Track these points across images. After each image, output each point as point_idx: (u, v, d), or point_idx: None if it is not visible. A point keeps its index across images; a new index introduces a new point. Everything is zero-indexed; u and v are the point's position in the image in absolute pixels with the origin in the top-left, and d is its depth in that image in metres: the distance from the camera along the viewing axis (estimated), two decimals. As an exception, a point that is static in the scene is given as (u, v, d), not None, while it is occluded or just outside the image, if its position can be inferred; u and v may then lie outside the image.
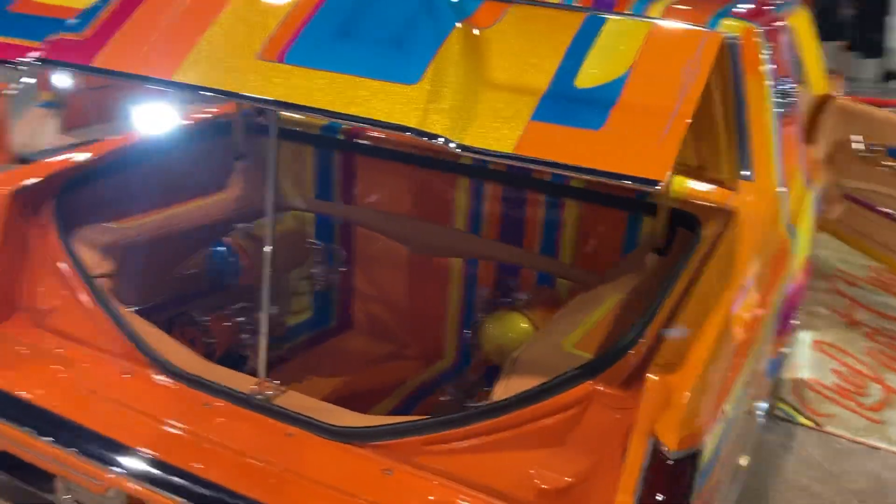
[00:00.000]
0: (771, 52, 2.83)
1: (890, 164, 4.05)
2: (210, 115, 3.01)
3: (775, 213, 2.59)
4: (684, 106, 1.53)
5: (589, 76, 1.61)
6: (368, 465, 1.93)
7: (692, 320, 1.88)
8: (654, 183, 1.44)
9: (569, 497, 1.79)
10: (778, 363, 2.62)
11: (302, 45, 1.76)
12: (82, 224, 2.50)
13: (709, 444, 1.69)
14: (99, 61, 1.88)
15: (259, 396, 2.07)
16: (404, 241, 2.92)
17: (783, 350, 2.67)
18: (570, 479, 1.79)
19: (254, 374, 2.10)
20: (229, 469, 1.93)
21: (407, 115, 1.59)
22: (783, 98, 3.04)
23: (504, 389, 1.90)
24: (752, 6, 3.06)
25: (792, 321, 2.69)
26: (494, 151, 1.54)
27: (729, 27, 2.82)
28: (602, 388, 1.77)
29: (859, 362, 3.74)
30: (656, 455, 1.63)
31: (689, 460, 1.64)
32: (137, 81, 1.86)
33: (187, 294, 2.70)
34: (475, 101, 1.61)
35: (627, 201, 2.54)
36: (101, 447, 2.04)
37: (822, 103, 4.39)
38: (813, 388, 3.52)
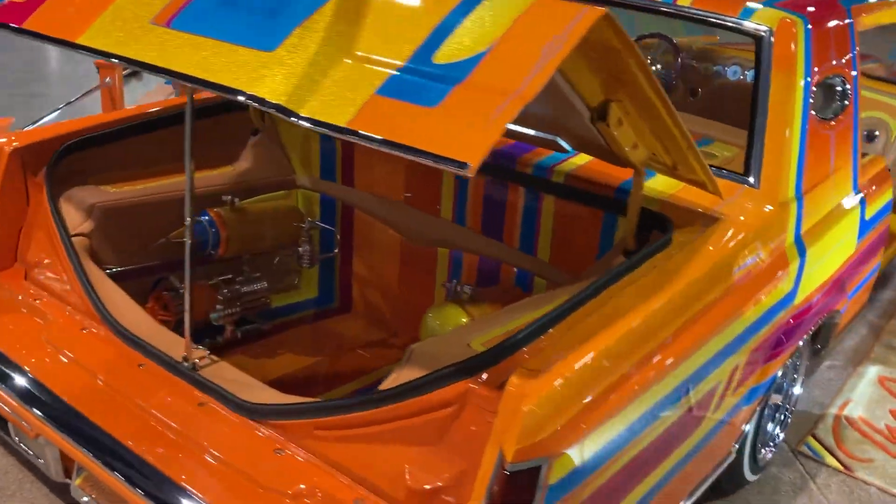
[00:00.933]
0: (825, 47, 2.59)
1: None
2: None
3: (777, 225, 2.35)
4: (529, 87, 1.40)
5: (449, 51, 1.52)
6: (263, 443, 1.95)
7: (591, 329, 1.74)
8: (464, 166, 1.32)
9: (437, 499, 1.70)
10: (765, 388, 2.37)
11: (189, 11, 1.77)
12: (82, 184, 2.62)
13: (572, 457, 1.55)
14: (28, 23, 1.96)
15: (185, 364, 2.11)
16: (395, 228, 2.86)
17: (777, 374, 2.42)
18: (440, 483, 1.71)
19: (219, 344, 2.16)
20: (135, 428, 2.01)
21: (252, 82, 1.55)
22: (833, 99, 2.77)
23: (393, 380, 1.83)
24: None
25: (792, 344, 2.43)
26: (326, 123, 1.47)
27: (764, 17, 2.60)
28: (477, 389, 1.67)
29: (930, 406, 3.35)
30: (499, 466, 1.52)
31: (528, 474, 1.51)
32: (50, 43, 1.92)
33: (174, 261, 2.76)
34: (327, 72, 1.54)
35: (606, 200, 2.38)
36: (35, 395, 2.15)
37: None
38: (858, 427, 3.17)
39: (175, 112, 2.85)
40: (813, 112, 2.61)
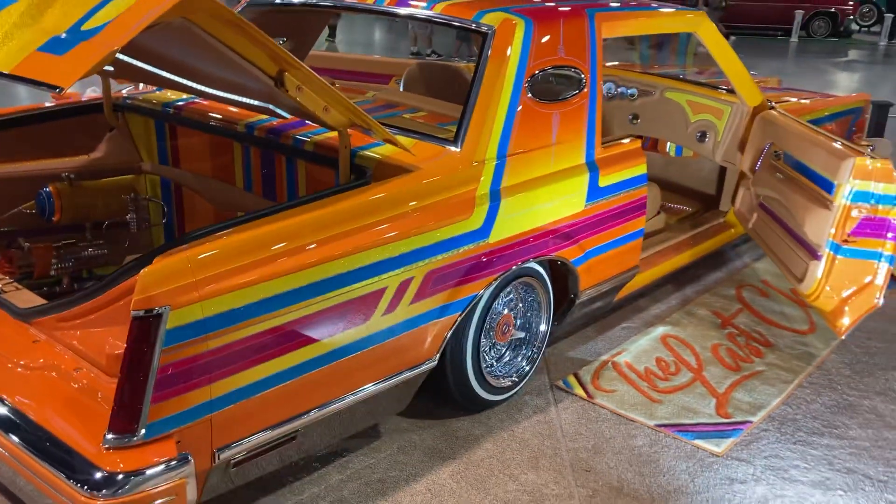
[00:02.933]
0: (552, 44, 3.27)
1: (782, 168, 4.18)
2: (95, 96, 3.79)
3: (469, 179, 2.95)
4: (117, 40, 2.04)
5: (93, 21, 2.16)
6: (26, 336, 2.58)
7: (246, 230, 2.37)
8: (56, 88, 1.96)
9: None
10: (459, 307, 2.93)
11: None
12: None
13: (193, 312, 2.17)
14: None
15: None
16: (206, 198, 3.53)
17: (462, 299, 2.96)
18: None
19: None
20: None
21: None
22: (562, 85, 3.37)
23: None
24: (554, 7, 3.47)
25: (487, 273, 2.99)
26: (-2, 71, 2.13)
27: (491, 18, 3.24)
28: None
29: (695, 356, 3.85)
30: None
31: (149, 319, 2.12)
32: None
33: (31, 228, 3.45)
34: (14, 36, 2.20)
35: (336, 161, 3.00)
36: None
37: (753, 115, 4.58)
38: (619, 369, 3.70)
39: (40, 112, 3.58)
40: (529, 94, 3.22)
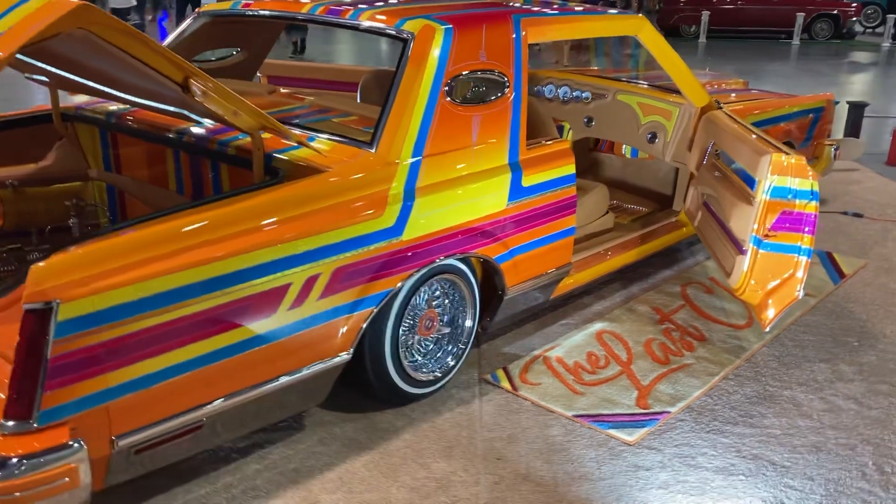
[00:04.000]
0: (472, 49, 3.40)
1: (720, 167, 4.29)
2: (46, 107, 3.96)
3: (381, 179, 3.08)
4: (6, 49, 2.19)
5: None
6: None
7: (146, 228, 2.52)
8: None
9: None
10: (373, 303, 3.05)
11: None
12: None
13: (84, 305, 2.30)
14: None
15: None
16: (144, 202, 3.68)
17: (375, 295, 3.08)
18: None
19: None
20: None
21: None
22: (485, 88, 3.49)
23: None
24: (478, 14, 3.61)
25: (400, 270, 3.12)
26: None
27: (411, 25, 3.38)
28: None
29: (627, 350, 3.95)
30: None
31: (40, 312, 2.26)
32: None
33: None
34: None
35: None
36: None
37: (700, 115, 4.69)
38: (549, 363, 3.81)
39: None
40: (448, 98, 3.34)
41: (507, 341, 4.01)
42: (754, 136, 4.03)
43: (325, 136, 3.30)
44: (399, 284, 3.16)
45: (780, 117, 5.62)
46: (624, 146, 5.61)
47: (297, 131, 3.28)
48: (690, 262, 5.15)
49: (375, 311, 3.10)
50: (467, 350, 3.64)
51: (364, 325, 3.08)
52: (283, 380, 2.90)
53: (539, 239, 3.77)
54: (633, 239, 4.70)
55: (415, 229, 3.17)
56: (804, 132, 5.96)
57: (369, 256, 3.02)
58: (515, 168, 3.59)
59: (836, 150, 6.23)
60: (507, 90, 3.59)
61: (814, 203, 3.65)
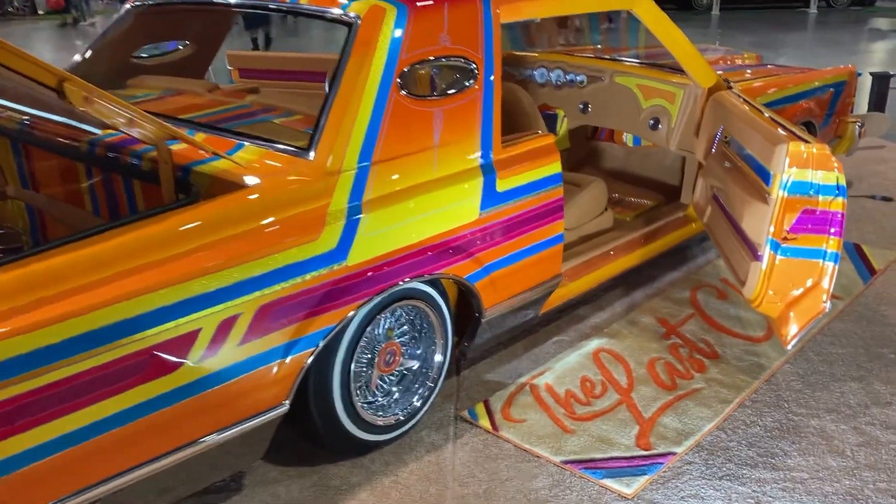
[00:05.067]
0: (432, 32, 2.87)
1: (730, 156, 3.75)
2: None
3: (318, 193, 2.58)
4: None
5: None
6: None
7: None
8: None
9: None
10: (311, 343, 2.56)
11: None
12: None
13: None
14: None
15: None
16: (61, 222, 3.19)
17: (316, 333, 2.58)
18: None
19: None
20: None
21: None
22: (448, 77, 2.97)
23: None
24: None
25: (347, 302, 2.61)
26: None
27: (356, 6, 2.86)
28: None
29: (627, 374, 3.43)
30: None
31: None
32: None
33: None
34: None
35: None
36: None
37: (708, 97, 4.15)
38: (537, 392, 3.30)
39: None
40: (403, 91, 2.82)
41: (491, 365, 3.51)
42: (768, 121, 3.48)
43: (259, 141, 2.79)
44: (349, 315, 2.65)
45: (798, 95, 5.04)
46: (625, 134, 5.07)
47: (228, 136, 2.79)
48: (701, 260, 4.61)
49: (319, 349, 2.60)
50: (437, 388, 3.13)
51: (305, 367, 2.58)
52: (208, 440, 2.41)
53: (520, 251, 3.25)
54: (635, 239, 4.17)
55: (363, 251, 2.66)
56: (825, 109, 5.38)
57: (305, 288, 2.52)
58: (488, 170, 3.07)
59: (860, 126, 5.66)
60: (475, 79, 3.06)
61: (840, 199, 3.10)
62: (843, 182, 3.10)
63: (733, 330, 3.79)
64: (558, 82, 4.85)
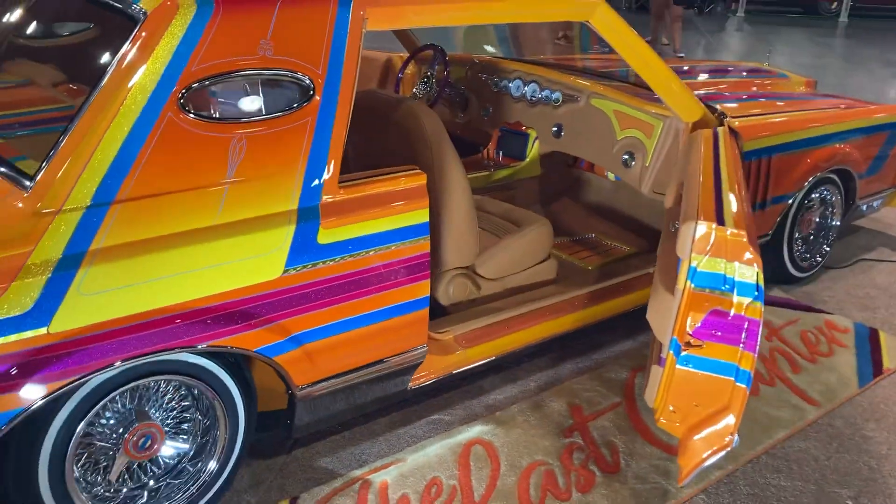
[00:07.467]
0: (244, 37, 2.31)
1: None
2: None
3: (16, 238, 2.02)
4: None
5: None
6: None
7: None
8: None
9: None
10: None
11: None
12: None
13: None
14: None
15: None
16: None
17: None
18: None
19: None
20: None
21: None
22: (253, 95, 2.39)
23: None
24: None
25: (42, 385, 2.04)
26: None
27: (147, 2, 2.30)
28: None
29: (489, 481, 2.74)
30: None
31: None
32: None
33: None
34: None
35: None
36: None
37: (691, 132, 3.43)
38: (364, 495, 2.64)
39: None
40: (187, 111, 2.22)
41: (335, 445, 2.89)
42: (707, 185, 2.69)
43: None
44: (59, 392, 2.08)
45: (828, 136, 4.14)
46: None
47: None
48: (670, 329, 3.80)
49: (-1, 436, 2.04)
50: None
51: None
52: None
53: (358, 317, 2.60)
54: (577, 297, 3.44)
55: (78, 314, 2.07)
56: (871, 155, 4.44)
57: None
58: (307, 217, 2.42)
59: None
60: (308, 100, 2.42)
61: (758, 306, 2.31)
62: (762, 283, 2.30)
63: (655, 435, 3.01)
64: (533, 97, 4.14)
